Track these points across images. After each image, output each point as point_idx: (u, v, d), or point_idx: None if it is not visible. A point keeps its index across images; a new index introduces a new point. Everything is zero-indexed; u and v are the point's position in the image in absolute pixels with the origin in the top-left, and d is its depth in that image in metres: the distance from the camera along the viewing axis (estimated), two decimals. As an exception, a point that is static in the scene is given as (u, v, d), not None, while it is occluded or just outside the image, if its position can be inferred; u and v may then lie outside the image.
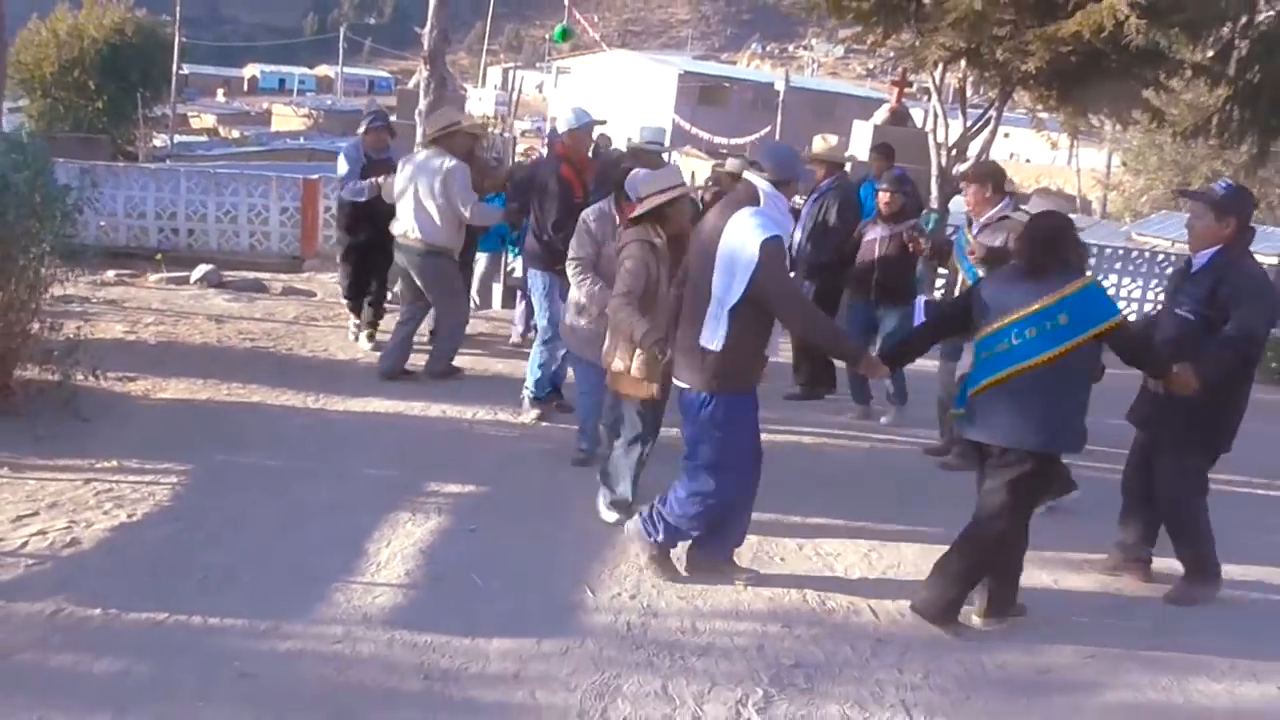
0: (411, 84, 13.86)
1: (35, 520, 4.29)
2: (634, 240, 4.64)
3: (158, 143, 32.39)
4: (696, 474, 4.25)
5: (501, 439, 6.05)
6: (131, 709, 3.09)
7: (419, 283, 6.85)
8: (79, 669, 3.29)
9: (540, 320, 6.36)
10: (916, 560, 4.75)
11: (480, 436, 6.09)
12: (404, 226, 6.75)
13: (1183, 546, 4.66)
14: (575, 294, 5.31)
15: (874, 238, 6.67)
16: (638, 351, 4.50)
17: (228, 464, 5.14)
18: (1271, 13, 12.58)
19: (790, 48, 76.28)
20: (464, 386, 6.90)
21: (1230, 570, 4.71)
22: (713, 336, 4.06)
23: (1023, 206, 5.69)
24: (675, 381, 4.30)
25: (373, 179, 7.23)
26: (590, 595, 4.21)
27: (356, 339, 7.75)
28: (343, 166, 7.42)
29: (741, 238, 3.99)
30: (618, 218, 5.19)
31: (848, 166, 8.06)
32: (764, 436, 4.45)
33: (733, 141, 34.34)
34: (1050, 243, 4.09)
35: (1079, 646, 4.16)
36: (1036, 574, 4.66)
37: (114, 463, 4.97)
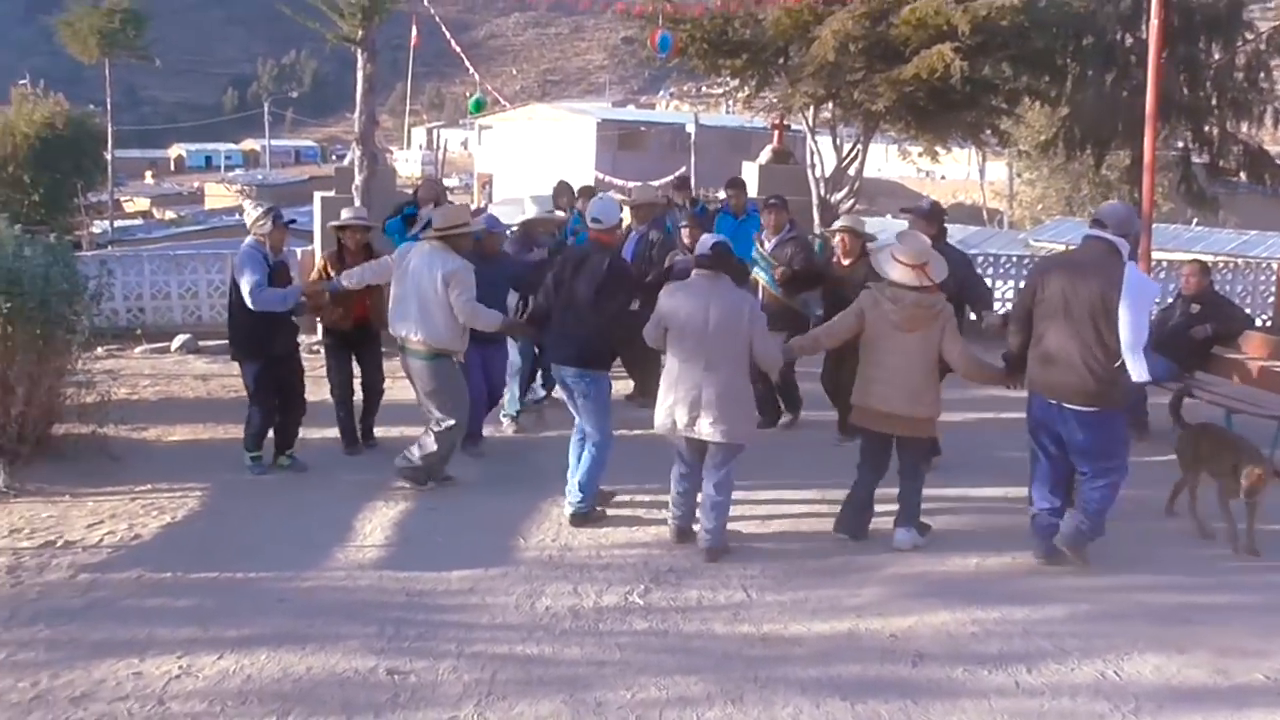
0: (346, 162, 15.28)
1: (103, 526, 5.77)
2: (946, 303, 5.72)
3: (95, 229, 33.36)
4: (1108, 471, 5.30)
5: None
6: (211, 624, 4.58)
7: (418, 387, 6.46)
8: (166, 606, 4.78)
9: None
10: (769, 503, 6.37)
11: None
12: (405, 329, 6.34)
13: None
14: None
15: (683, 263, 7.58)
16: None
17: (237, 480, 6.63)
18: (1091, 38, 14.61)
19: (704, 87, 78.30)
20: (410, 413, 8.37)
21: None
22: (1144, 369, 5.07)
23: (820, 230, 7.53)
24: (1069, 406, 5.22)
25: (295, 288, 6.80)
26: (522, 541, 5.77)
27: (258, 472, 6.75)
28: (250, 274, 6.47)
29: (1151, 291, 5.34)
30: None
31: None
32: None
33: (652, 184, 36.14)
34: None
35: (875, 544, 5.80)
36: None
37: (149, 486, 6.45)
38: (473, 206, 9.62)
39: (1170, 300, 9.35)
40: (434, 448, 6.37)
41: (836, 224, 7.81)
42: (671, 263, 7.89)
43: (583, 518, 5.99)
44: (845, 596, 5.13)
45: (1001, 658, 4.51)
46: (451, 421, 6.35)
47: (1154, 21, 10.07)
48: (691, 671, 4.30)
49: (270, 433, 6.88)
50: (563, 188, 10.27)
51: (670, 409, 5.56)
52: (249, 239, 6.73)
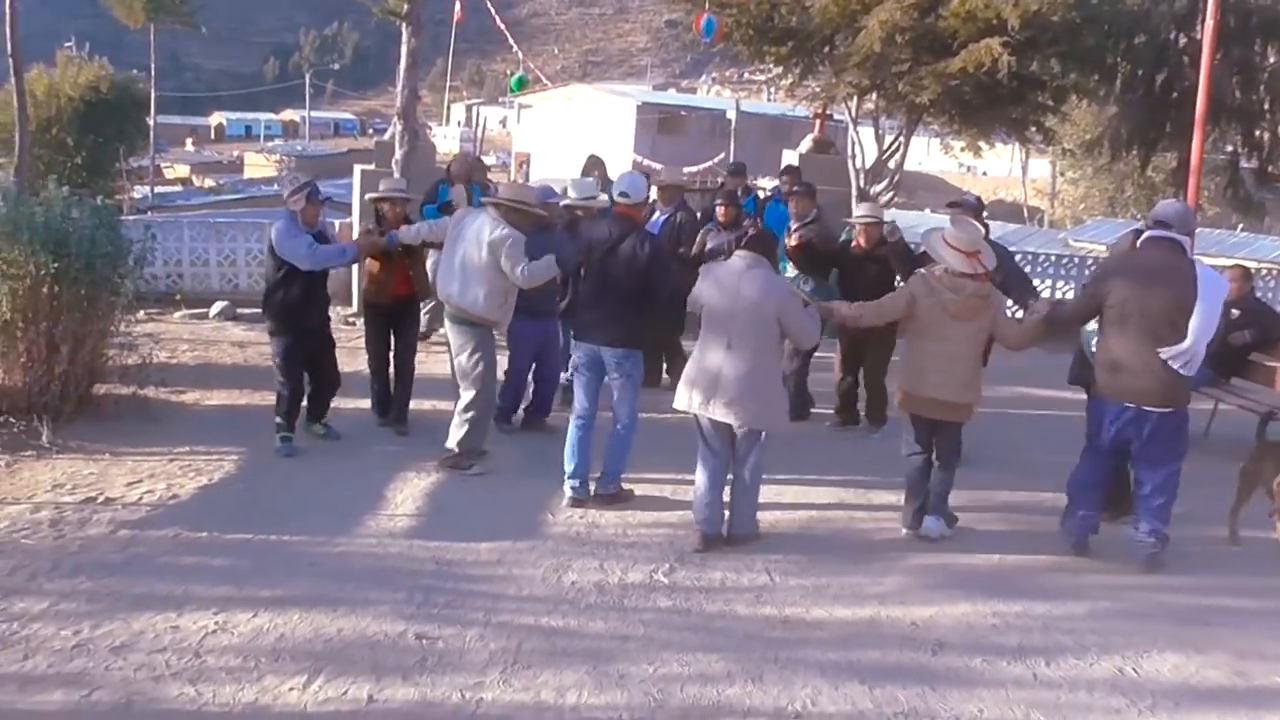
0: (386, 136, 15.35)
1: (142, 485, 5.91)
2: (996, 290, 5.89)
3: (136, 194, 33.69)
4: (1167, 481, 5.38)
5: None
6: (245, 583, 4.70)
7: (451, 349, 6.45)
8: (202, 564, 4.91)
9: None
10: (794, 494, 6.41)
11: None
12: (447, 292, 6.35)
13: None
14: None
15: (718, 243, 7.88)
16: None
17: (272, 446, 6.72)
18: (1144, 37, 14.42)
19: (746, 73, 77.95)
20: (442, 388, 8.47)
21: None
22: (1187, 360, 5.19)
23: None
24: (1149, 408, 5.27)
25: (351, 242, 7.00)
26: (551, 517, 5.85)
27: (287, 452, 6.63)
28: (299, 237, 6.51)
29: (1221, 286, 5.40)
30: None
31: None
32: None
33: (688, 170, 36.08)
34: None
35: (899, 535, 5.84)
36: (883, 496, 6.34)
37: (187, 448, 6.59)
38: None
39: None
40: (464, 431, 6.39)
41: (857, 213, 7.87)
42: (704, 241, 8.02)
43: (610, 499, 6.06)
44: (868, 584, 5.17)
45: (1020, 650, 4.54)
46: (473, 393, 6.33)
47: (1209, 22, 9.93)
48: (713, 650, 4.37)
49: (305, 402, 6.96)
50: (594, 162, 10.29)
51: (690, 385, 5.54)
52: (283, 211, 6.77)
